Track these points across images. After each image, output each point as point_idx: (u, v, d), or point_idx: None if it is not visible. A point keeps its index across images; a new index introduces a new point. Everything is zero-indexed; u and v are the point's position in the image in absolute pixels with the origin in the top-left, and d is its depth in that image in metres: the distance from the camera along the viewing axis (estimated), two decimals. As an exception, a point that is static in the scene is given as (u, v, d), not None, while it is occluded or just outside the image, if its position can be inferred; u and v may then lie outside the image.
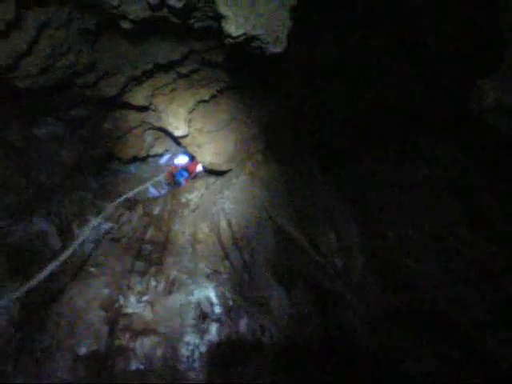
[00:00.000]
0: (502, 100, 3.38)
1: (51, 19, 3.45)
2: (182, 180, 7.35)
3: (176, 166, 7.33)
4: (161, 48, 4.51)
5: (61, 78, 4.25)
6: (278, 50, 3.59)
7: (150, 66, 4.81)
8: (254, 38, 3.42)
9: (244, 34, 3.34)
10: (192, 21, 3.60)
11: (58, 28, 3.60)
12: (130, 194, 6.15)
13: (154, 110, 6.00)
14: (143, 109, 5.91)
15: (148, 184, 6.67)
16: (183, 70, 5.08)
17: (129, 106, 5.74)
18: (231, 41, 3.44)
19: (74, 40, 3.86)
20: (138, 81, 5.11)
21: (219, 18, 3.34)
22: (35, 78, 3.92)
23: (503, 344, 3.71)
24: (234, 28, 3.27)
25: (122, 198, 5.90)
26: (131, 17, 3.46)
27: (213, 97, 5.94)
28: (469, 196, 4.11)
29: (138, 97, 5.53)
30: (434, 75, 3.92)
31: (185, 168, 7.48)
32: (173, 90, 5.63)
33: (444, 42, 3.62)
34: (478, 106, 3.54)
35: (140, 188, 6.37)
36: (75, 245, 4.17)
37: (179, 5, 3.28)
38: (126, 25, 3.68)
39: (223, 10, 3.24)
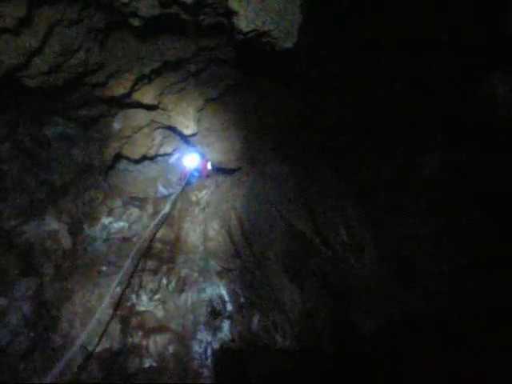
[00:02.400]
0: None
1: (62, 17, 3.47)
2: (193, 179, 7.37)
3: (189, 168, 7.35)
4: (170, 46, 4.51)
5: (70, 77, 4.26)
6: (288, 45, 3.58)
7: (159, 65, 4.81)
8: (264, 33, 3.41)
9: (254, 29, 3.33)
10: (202, 17, 3.60)
11: (68, 26, 3.61)
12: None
13: (163, 109, 6.00)
14: (152, 108, 5.91)
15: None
16: (192, 68, 5.07)
17: (138, 105, 5.74)
18: (241, 37, 3.44)
19: (84, 38, 3.87)
20: (147, 79, 5.11)
21: (229, 13, 3.34)
22: (45, 76, 3.94)
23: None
24: (244, 24, 3.26)
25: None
26: (141, 14, 3.46)
27: (221, 95, 5.94)
28: (478, 194, 4.09)
29: (147, 96, 5.53)
30: (444, 69, 3.90)
31: (196, 168, 7.50)
32: (182, 89, 5.62)
33: (456, 36, 3.61)
34: (489, 99, 3.52)
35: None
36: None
37: (190, 1, 3.29)
38: (135, 22, 3.68)
39: (234, 5, 3.24)
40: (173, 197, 6.34)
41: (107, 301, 4.92)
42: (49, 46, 3.60)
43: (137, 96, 5.45)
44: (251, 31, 3.36)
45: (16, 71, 3.66)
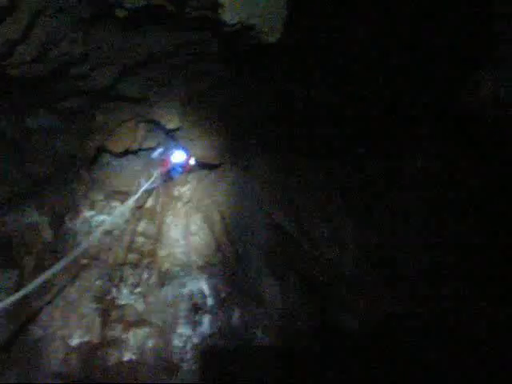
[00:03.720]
0: (497, 92, 3.41)
1: (45, 6, 3.44)
2: (175, 174, 7.35)
3: (170, 162, 7.32)
4: (155, 39, 4.49)
5: (54, 67, 4.22)
6: (273, 39, 3.60)
7: (143, 57, 4.78)
8: (249, 27, 3.43)
9: (239, 22, 3.34)
10: (188, 9, 3.58)
11: (52, 16, 3.59)
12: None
13: (146, 103, 5.97)
14: (136, 101, 5.87)
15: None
16: (177, 62, 5.05)
17: (122, 98, 5.70)
18: (227, 29, 3.45)
19: (68, 29, 3.84)
20: (131, 72, 5.07)
21: (215, 6, 3.35)
22: (29, 66, 3.90)
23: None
24: (229, 16, 3.27)
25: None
26: (127, 5, 3.45)
27: (206, 90, 5.92)
28: (462, 189, 4.13)
29: (132, 89, 5.50)
30: (429, 67, 3.94)
31: (180, 164, 7.48)
32: (166, 83, 5.60)
33: (440, 35, 3.65)
34: (475, 98, 3.57)
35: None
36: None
37: (175, -7, 3.30)
38: (121, 13, 3.66)
39: (220, -2, 3.26)
40: (142, 188, 6.23)
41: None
42: (32, 36, 3.57)
43: (121, 89, 5.42)
44: (236, 24, 3.37)
45: (-1, 60, 3.63)
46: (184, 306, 5.56)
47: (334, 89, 4.87)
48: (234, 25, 3.36)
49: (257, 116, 5.93)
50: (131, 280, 5.68)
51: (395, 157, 4.71)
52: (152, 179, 6.51)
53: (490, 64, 3.38)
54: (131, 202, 5.78)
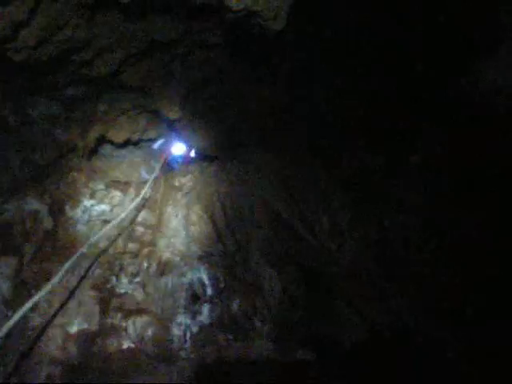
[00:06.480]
0: (499, 82, 3.41)
1: (49, -10, 3.45)
2: (175, 165, 7.36)
3: (171, 153, 7.33)
4: (158, 27, 4.48)
5: (56, 53, 4.21)
6: (277, 27, 3.60)
7: (146, 46, 4.78)
8: (254, 13, 3.42)
9: (244, 8, 3.34)
10: (192, -4, 3.61)
11: (56, 0, 3.59)
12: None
13: (147, 93, 5.97)
14: (137, 91, 5.86)
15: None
16: (179, 51, 5.04)
17: (123, 88, 5.68)
18: (231, 16, 3.45)
19: (71, 14, 3.84)
20: (133, 60, 5.06)
21: (220, -8, 3.35)
22: (31, 50, 3.90)
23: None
24: (234, 1, 3.28)
25: None
26: (131, -10, 3.46)
27: (208, 81, 5.91)
28: (464, 182, 4.12)
29: (133, 78, 5.48)
30: (430, 58, 3.93)
31: (180, 155, 7.50)
32: (168, 72, 5.59)
33: (442, 24, 3.64)
34: (475, 88, 3.57)
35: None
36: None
37: (179, -22, 3.30)
38: (124, -1, 3.67)
39: (224, -17, 3.26)
40: (150, 181, 6.26)
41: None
42: (36, 19, 3.56)
43: (123, 77, 5.41)
44: (241, 10, 3.37)
45: (2, 43, 3.62)
46: (183, 296, 5.58)
47: (338, 82, 4.86)
48: (238, 10, 3.36)
49: (259, 108, 5.92)
50: (131, 269, 5.70)
51: (396, 149, 4.70)
52: (156, 171, 6.54)
53: (493, 53, 3.38)
54: (143, 194, 5.85)
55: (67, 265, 4.50)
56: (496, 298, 3.82)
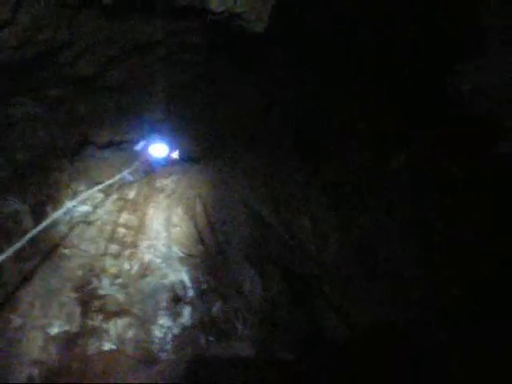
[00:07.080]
0: (481, 83, 3.47)
1: (31, -10, 3.44)
2: (158, 167, 7.33)
3: (153, 154, 7.30)
4: (141, 28, 4.48)
5: (39, 53, 4.20)
6: (259, 29, 3.63)
7: (129, 47, 4.79)
8: (236, 15, 3.45)
9: (226, 10, 3.37)
10: (175, -2, 3.62)
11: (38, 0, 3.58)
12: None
13: (131, 94, 5.96)
14: (121, 92, 5.86)
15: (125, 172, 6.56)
16: (162, 53, 5.06)
17: (106, 88, 5.67)
18: (213, 17, 3.47)
19: (53, 14, 3.83)
20: (115, 61, 5.06)
21: (203, -6, 3.38)
22: (14, 51, 3.89)
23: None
24: (216, 3, 3.30)
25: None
26: (114, -9, 3.47)
27: (191, 82, 5.92)
28: (445, 184, 4.17)
29: (116, 79, 5.48)
30: (412, 61, 3.98)
31: (163, 156, 7.46)
32: (151, 74, 5.60)
33: (423, 28, 3.69)
34: (457, 90, 3.62)
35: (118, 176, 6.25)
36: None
37: (162, -19, 3.31)
38: (108, 1, 3.67)
39: (206, -15, 3.28)
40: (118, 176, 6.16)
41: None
42: (18, 18, 3.55)
43: (105, 78, 5.40)
44: (223, 12, 3.39)
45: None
46: (165, 297, 5.58)
47: (323, 83, 4.90)
48: (220, 12, 3.38)
49: (242, 109, 5.94)
50: (112, 271, 5.68)
51: (381, 149, 4.75)
52: (132, 168, 6.49)
53: (475, 55, 3.43)
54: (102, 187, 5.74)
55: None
56: (483, 298, 3.88)
